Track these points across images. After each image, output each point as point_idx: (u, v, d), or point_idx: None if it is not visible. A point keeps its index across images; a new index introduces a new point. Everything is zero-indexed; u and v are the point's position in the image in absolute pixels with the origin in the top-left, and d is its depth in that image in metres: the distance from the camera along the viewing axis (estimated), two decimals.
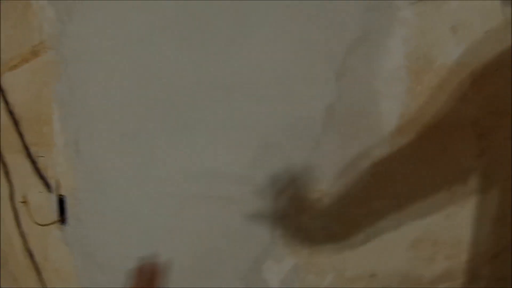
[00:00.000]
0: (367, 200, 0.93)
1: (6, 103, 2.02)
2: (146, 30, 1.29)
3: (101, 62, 1.46)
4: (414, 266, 0.92)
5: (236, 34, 1.08)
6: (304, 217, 1.01)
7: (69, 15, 1.57)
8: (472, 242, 0.85)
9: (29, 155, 1.86)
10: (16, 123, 1.94)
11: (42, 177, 1.77)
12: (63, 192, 1.67)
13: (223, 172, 1.14)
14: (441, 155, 0.86)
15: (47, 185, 1.74)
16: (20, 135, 1.91)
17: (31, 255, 2.00)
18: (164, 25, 1.24)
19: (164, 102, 1.26)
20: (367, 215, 0.93)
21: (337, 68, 0.94)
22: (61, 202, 1.67)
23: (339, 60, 0.94)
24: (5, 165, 2.13)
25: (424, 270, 0.92)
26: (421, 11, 0.84)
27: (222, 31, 1.11)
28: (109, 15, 1.41)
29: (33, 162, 1.82)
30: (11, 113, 1.98)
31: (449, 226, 0.87)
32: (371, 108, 0.91)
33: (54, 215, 1.73)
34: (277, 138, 1.03)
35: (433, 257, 0.90)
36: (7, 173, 2.11)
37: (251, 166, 1.08)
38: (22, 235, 2.05)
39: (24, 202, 1.85)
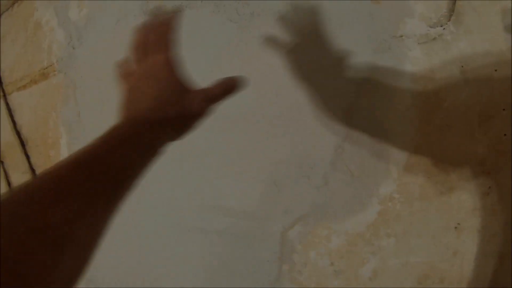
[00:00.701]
0: (373, 237, 0.93)
1: (14, 123, 2.03)
2: None
3: (109, 88, 1.46)
4: None
5: (246, 69, 1.09)
6: (312, 253, 1.02)
7: (80, 39, 1.58)
8: (478, 279, 0.85)
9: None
10: (23, 144, 1.95)
11: None
12: None
13: (230, 207, 1.15)
14: (449, 194, 0.86)
15: None
16: (27, 156, 1.92)
17: None
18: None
19: None
20: (374, 252, 0.93)
21: (346, 106, 0.95)
22: None
23: (348, 99, 0.94)
24: (10, 185, 2.13)
25: None
26: (430, 51, 0.85)
27: (236, 66, 1.12)
28: (119, 41, 1.42)
29: None
30: (18, 133, 1.99)
31: (457, 263, 0.87)
32: (379, 146, 0.91)
33: None
34: (285, 175, 1.04)
35: None
36: None
37: (258, 202, 1.09)
38: None
39: None
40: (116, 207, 0.55)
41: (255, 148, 1.08)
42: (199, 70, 1.18)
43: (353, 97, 0.94)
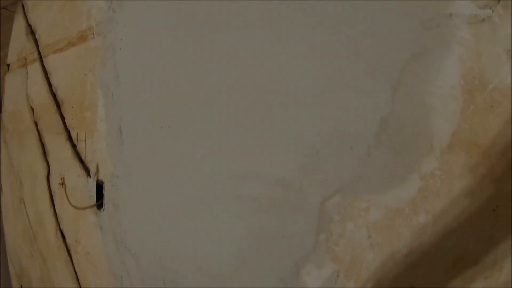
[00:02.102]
0: (412, 213, 0.93)
1: (49, 84, 2.05)
2: (198, 25, 1.30)
3: (148, 52, 1.47)
4: (453, 284, 0.91)
5: (296, 43, 1.09)
6: (350, 224, 1.03)
7: (121, 3, 1.59)
8: None
9: (69, 138, 1.88)
10: (58, 105, 1.97)
11: (81, 161, 1.80)
12: (101, 178, 1.69)
13: (269, 174, 1.15)
14: (488, 177, 0.86)
15: (86, 169, 1.77)
16: (62, 117, 1.94)
17: (63, 237, 2.03)
18: (216, 23, 1.25)
19: (211, 100, 1.28)
20: (412, 228, 0.94)
21: (393, 82, 0.94)
22: (99, 187, 1.70)
23: (395, 74, 0.94)
24: (43, 146, 2.16)
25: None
26: (478, 32, 0.84)
27: (283, 40, 1.12)
28: (160, 8, 1.42)
29: (73, 146, 1.85)
30: (53, 95, 2.01)
31: (492, 248, 0.87)
32: (423, 123, 0.91)
33: (89, 199, 1.76)
34: (328, 146, 1.04)
35: (473, 277, 0.89)
36: (45, 154, 2.14)
37: (298, 170, 1.09)
38: (56, 216, 2.08)
39: (62, 184, 1.88)
40: None
41: (298, 117, 1.08)
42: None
43: (399, 72, 0.94)
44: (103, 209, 1.69)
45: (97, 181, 1.70)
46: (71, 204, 1.76)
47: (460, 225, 0.89)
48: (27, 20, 2.38)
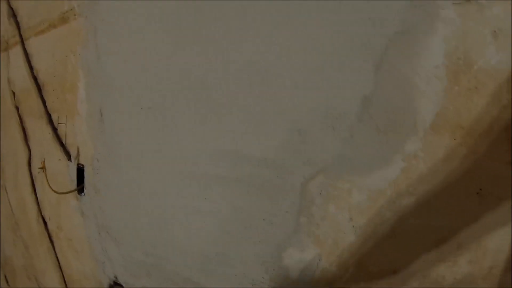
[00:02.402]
0: (395, 195, 0.92)
1: (31, 67, 2.02)
2: (180, 4, 1.28)
3: (129, 33, 1.44)
4: (436, 267, 0.91)
5: (274, 19, 1.07)
6: (331, 206, 1.01)
7: None
8: (496, 249, 0.84)
9: (50, 121, 1.86)
10: (39, 88, 1.95)
11: (62, 145, 1.77)
12: (82, 161, 1.67)
13: (250, 155, 1.14)
14: (472, 158, 0.85)
15: (66, 153, 1.74)
16: (43, 100, 1.91)
17: (44, 223, 2.01)
18: (198, 5, 1.23)
19: (192, 80, 1.26)
20: (394, 210, 0.93)
21: (375, 60, 0.93)
22: (80, 171, 1.67)
23: (378, 52, 0.92)
24: (24, 130, 2.13)
25: (445, 272, 0.91)
26: (464, 12, 0.83)
27: (261, 15, 1.10)
28: None
29: (54, 129, 1.83)
30: (34, 78, 1.98)
31: (476, 231, 0.86)
32: (407, 103, 0.90)
33: (71, 184, 1.74)
34: (310, 125, 1.02)
35: (456, 260, 0.89)
36: (26, 138, 2.12)
37: (280, 151, 1.08)
38: (37, 201, 2.06)
39: (42, 168, 1.85)
40: None
41: (279, 96, 1.06)
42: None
43: (382, 51, 0.92)
44: (84, 194, 1.67)
45: (78, 164, 1.68)
46: (51, 188, 1.73)
47: (443, 208, 0.88)
48: (8, 3, 2.34)
